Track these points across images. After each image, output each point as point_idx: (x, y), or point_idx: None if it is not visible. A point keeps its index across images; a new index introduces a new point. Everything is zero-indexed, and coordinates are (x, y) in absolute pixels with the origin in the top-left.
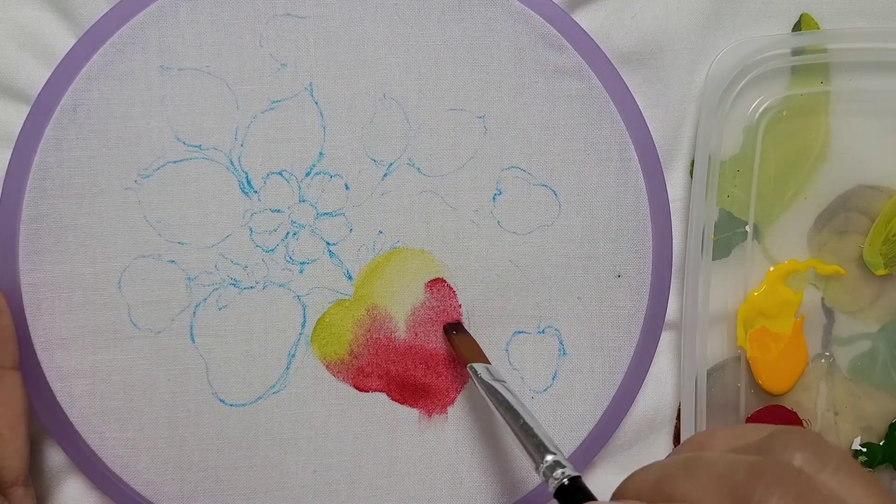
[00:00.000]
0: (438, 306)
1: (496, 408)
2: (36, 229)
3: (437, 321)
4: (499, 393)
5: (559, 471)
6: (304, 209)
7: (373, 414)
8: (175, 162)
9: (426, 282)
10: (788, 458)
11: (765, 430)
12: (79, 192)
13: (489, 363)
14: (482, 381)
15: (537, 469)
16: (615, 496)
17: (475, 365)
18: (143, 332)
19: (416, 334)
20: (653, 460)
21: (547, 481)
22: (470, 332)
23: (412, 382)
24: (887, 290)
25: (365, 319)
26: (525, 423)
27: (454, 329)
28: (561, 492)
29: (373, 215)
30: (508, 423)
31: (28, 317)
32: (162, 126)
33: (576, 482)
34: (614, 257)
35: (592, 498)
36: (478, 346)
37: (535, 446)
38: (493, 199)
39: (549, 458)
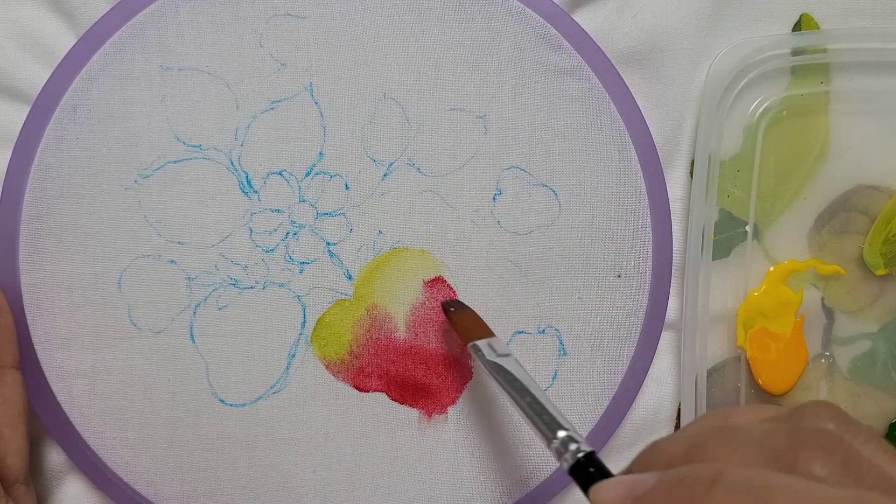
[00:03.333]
0: (438, 306)
1: (503, 386)
2: (36, 229)
3: (437, 321)
4: (505, 370)
5: (573, 446)
6: (304, 209)
7: (373, 414)
8: (175, 162)
9: (426, 281)
10: (823, 426)
11: (783, 406)
12: (79, 192)
13: (493, 335)
14: (486, 361)
15: (549, 446)
16: (636, 465)
17: (478, 343)
18: (143, 332)
19: (416, 334)
20: None
21: (560, 459)
22: None
23: (412, 382)
24: (887, 290)
25: (365, 319)
26: (534, 399)
27: (452, 306)
28: (576, 469)
29: (373, 215)
30: (516, 401)
31: (28, 317)
32: (162, 126)
33: (591, 458)
34: (614, 257)
35: (609, 474)
36: (479, 319)
37: (546, 423)
38: (493, 198)
39: (562, 433)
